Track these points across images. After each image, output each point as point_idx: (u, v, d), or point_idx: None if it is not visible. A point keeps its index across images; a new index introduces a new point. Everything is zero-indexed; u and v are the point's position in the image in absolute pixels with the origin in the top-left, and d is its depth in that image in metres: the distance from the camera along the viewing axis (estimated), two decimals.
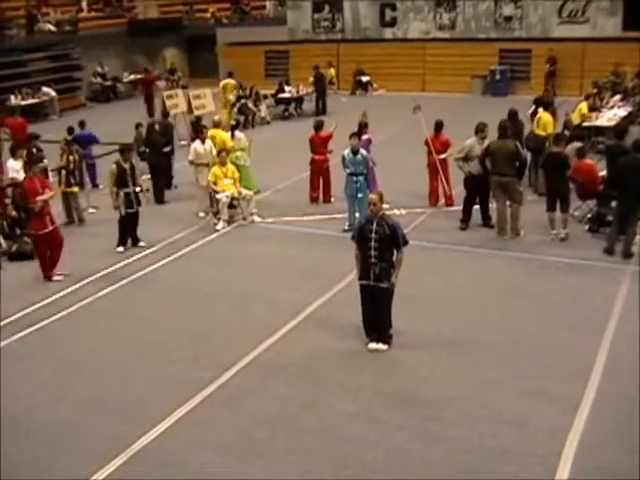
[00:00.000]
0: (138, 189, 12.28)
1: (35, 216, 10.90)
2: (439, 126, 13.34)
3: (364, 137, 13.05)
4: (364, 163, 12.25)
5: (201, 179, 13.67)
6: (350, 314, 8.93)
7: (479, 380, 7.70)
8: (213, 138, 14.62)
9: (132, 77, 30.76)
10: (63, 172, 13.52)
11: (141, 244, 12.30)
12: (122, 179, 11.99)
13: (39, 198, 10.79)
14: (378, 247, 8.07)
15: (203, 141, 14.00)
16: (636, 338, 8.24)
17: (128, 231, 12.22)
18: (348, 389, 7.64)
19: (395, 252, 8.17)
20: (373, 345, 8.41)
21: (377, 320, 8.41)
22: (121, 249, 12.15)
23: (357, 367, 8.10)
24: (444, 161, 13.35)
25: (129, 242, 12.28)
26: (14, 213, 12.64)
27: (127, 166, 12.08)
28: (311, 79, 25.00)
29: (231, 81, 24.03)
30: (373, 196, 8.29)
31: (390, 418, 7.08)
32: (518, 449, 6.51)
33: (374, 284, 8.20)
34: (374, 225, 8.08)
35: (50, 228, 10.98)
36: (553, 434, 6.68)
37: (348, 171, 12.26)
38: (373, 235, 8.06)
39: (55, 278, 10.97)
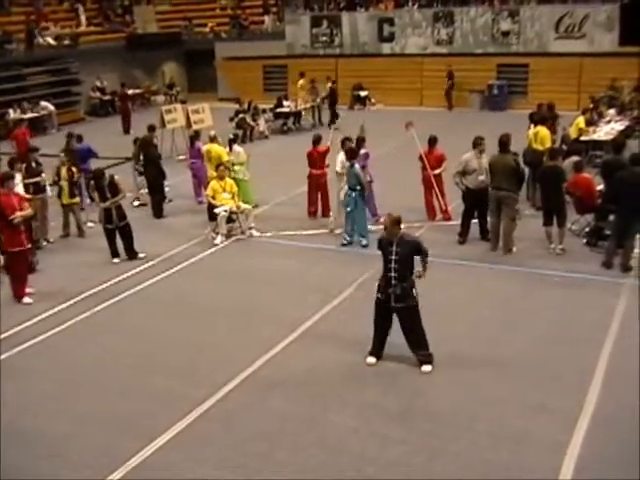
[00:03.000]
0: (136, 199, 12.20)
1: (12, 232, 10.60)
2: (433, 141, 13.38)
3: (362, 152, 13.06)
4: (356, 179, 12.19)
5: (342, 192, 13.46)
6: (349, 328, 8.91)
7: (479, 394, 7.68)
8: (209, 152, 14.67)
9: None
10: (65, 184, 13.56)
11: (140, 256, 12.33)
12: (101, 195, 12.16)
13: (19, 214, 10.57)
14: (399, 268, 8.03)
15: None
16: (635, 351, 8.23)
17: (114, 243, 12.30)
18: (348, 404, 7.61)
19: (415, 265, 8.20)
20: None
21: (387, 336, 8.34)
22: (116, 260, 12.28)
23: (357, 382, 8.07)
24: (439, 176, 13.37)
25: (125, 256, 12.31)
26: None
27: (105, 183, 12.16)
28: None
29: (301, 81, 25.93)
30: (384, 220, 8.37)
31: (390, 432, 7.05)
32: (518, 463, 6.49)
33: (394, 305, 8.11)
34: (394, 246, 8.05)
35: (27, 246, 10.95)
36: (553, 448, 6.67)
37: (346, 185, 12.25)
38: (394, 257, 8.04)
39: (26, 300, 10.71)
